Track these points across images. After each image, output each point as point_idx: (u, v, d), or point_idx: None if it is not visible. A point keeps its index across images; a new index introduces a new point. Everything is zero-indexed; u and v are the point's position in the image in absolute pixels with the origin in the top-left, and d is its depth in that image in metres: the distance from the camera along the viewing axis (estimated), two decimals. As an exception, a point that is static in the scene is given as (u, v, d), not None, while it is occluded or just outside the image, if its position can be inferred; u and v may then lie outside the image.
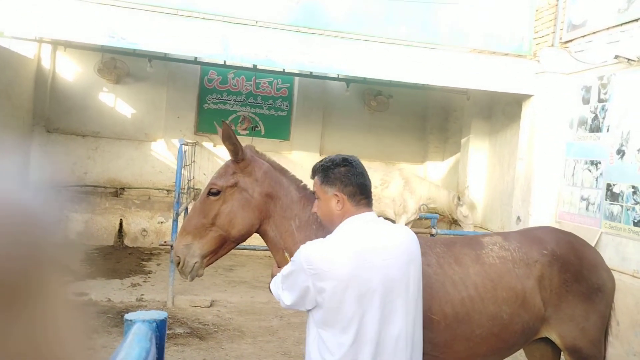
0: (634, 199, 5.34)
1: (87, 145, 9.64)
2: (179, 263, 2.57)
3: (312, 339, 1.94)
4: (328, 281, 1.85)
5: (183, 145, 6.59)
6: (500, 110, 8.91)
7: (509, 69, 6.79)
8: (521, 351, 3.03)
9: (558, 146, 6.59)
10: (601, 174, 5.87)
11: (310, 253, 1.90)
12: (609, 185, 5.73)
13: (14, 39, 7.89)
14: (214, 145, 10.05)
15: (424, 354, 2.07)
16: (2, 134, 8.06)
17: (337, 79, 9.46)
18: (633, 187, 5.37)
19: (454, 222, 9.36)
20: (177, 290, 6.40)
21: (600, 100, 6.00)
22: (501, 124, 8.87)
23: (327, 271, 1.85)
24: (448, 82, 6.82)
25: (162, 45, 6.18)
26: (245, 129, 10.23)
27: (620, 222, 5.50)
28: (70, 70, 9.63)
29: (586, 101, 6.23)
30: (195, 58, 8.62)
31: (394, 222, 3.16)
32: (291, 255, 2.15)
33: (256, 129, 10.35)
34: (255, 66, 8.58)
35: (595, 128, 6.04)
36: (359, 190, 2.04)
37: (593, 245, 5.05)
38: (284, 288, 2.02)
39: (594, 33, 6.11)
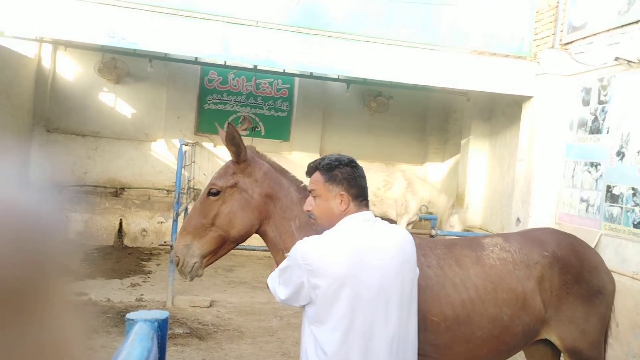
0: (633, 201, 5.34)
1: (87, 145, 9.64)
2: (178, 263, 2.57)
3: (307, 336, 1.94)
4: (322, 278, 1.85)
5: (183, 146, 6.59)
6: (500, 112, 8.91)
7: (509, 70, 6.79)
8: (521, 353, 3.03)
9: (558, 148, 6.59)
10: (601, 176, 5.87)
11: (307, 249, 1.90)
12: (608, 187, 5.73)
13: (14, 38, 7.89)
14: (214, 146, 10.06)
15: (424, 355, 2.07)
16: (2, 134, 8.06)
17: (337, 79, 9.46)
18: (633, 188, 5.36)
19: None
20: (176, 290, 6.40)
21: (600, 102, 6.00)
22: (501, 125, 8.87)
23: (322, 268, 1.85)
24: (448, 83, 6.82)
25: (163, 45, 6.18)
26: (245, 130, 10.22)
27: (620, 223, 5.50)
28: (71, 70, 9.62)
29: (586, 103, 6.23)
30: (196, 58, 8.63)
31: (395, 222, 3.17)
32: (291, 255, 2.14)
33: (256, 129, 10.35)
34: (255, 66, 8.58)
35: (595, 130, 6.03)
36: (362, 192, 2.04)
37: (593, 246, 5.05)
38: (280, 282, 2.02)
39: (594, 35, 6.11)
